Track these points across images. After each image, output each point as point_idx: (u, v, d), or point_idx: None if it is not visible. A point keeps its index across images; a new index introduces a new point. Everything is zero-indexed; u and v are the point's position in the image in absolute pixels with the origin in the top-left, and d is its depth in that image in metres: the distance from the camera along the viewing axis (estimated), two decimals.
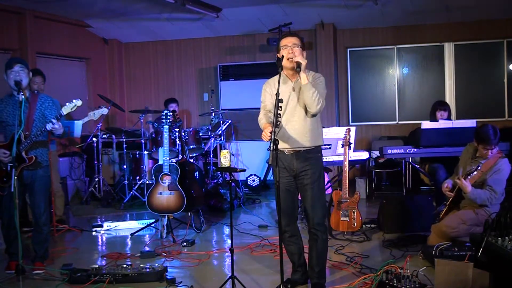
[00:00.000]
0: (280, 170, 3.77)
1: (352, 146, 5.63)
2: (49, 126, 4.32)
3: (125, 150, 8.01)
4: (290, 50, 3.69)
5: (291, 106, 3.74)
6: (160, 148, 5.95)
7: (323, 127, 6.34)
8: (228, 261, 4.82)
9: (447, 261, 3.64)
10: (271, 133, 3.42)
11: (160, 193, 5.62)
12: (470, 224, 4.54)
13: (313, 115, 3.73)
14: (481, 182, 4.61)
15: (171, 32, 9.23)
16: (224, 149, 8.03)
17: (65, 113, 4.38)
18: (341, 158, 5.57)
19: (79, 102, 4.39)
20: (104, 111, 4.53)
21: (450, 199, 4.74)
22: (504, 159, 4.63)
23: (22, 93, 4.29)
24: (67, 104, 4.38)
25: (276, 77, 3.85)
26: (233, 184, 6.89)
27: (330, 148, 5.76)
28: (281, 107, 3.57)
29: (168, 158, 5.64)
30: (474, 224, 4.55)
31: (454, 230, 4.50)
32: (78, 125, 7.12)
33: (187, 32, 9.23)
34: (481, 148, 4.65)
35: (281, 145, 3.72)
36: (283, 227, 3.79)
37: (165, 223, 5.72)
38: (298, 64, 3.60)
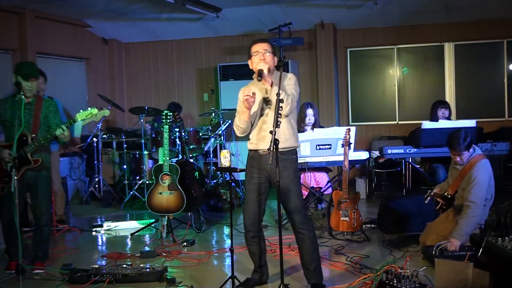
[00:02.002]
0: (253, 170, 3.87)
1: (352, 146, 5.63)
2: (58, 132, 4.31)
3: (125, 150, 8.01)
4: (261, 56, 3.75)
5: (265, 107, 3.79)
6: (160, 148, 5.95)
7: (323, 127, 6.43)
8: (228, 261, 4.82)
9: (447, 261, 3.64)
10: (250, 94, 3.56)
11: (160, 193, 5.62)
12: None
13: (286, 116, 3.74)
14: (462, 190, 4.52)
15: (171, 32, 9.22)
16: (224, 149, 8.04)
17: (79, 120, 4.36)
18: (341, 158, 5.57)
19: (94, 110, 4.37)
20: (106, 112, 4.52)
21: (440, 205, 4.73)
22: (480, 164, 4.41)
23: (22, 93, 4.28)
24: (81, 111, 4.37)
25: (249, 83, 3.93)
26: (233, 184, 6.91)
27: (330, 148, 5.77)
28: (281, 107, 3.58)
29: (168, 158, 5.64)
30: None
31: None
32: (78, 125, 7.09)
33: (187, 32, 9.22)
34: (451, 153, 4.57)
35: (256, 146, 3.82)
36: (247, 226, 3.97)
37: (165, 223, 5.73)
38: (260, 73, 3.63)
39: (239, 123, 3.81)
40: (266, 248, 4.21)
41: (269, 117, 3.75)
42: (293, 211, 3.83)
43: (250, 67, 3.85)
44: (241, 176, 8.35)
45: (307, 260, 3.90)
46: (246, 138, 3.97)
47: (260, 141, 3.80)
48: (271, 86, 3.70)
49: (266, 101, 3.79)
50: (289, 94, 3.69)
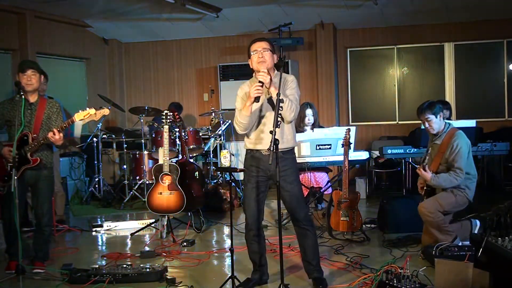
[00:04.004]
0: (252, 169, 3.92)
1: (352, 146, 5.63)
2: (49, 134, 4.30)
3: (125, 150, 8.01)
4: (260, 54, 3.76)
5: (267, 108, 3.81)
6: (160, 148, 5.95)
7: (323, 127, 6.43)
8: (228, 261, 4.82)
9: (447, 261, 3.64)
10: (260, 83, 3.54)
11: (160, 193, 5.62)
12: (447, 210, 4.56)
13: (289, 122, 3.80)
14: (445, 163, 4.61)
15: (171, 32, 9.23)
16: (224, 149, 8.04)
17: (77, 120, 4.36)
18: (341, 158, 5.57)
19: (92, 111, 4.37)
20: (106, 111, 4.52)
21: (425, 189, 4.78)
22: (458, 133, 4.58)
23: (22, 93, 4.28)
24: (80, 111, 4.37)
25: (247, 81, 3.91)
26: (233, 184, 6.90)
27: (330, 148, 5.76)
28: (281, 107, 3.58)
29: (168, 158, 5.64)
30: (452, 208, 4.59)
31: (431, 214, 4.50)
32: (78, 125, 7.09)
33: (187, 32, 9.22)
34: (421, 121, 4.70)
35: (259, 146, 3.85)
36: (249, 225, 3.98)
37: (165, 223, 5.73)
38: (261, 83, 3.58)
39: (241, 119, 3.77)
40: (266, 248, 4.23)
41: (269, 118, 3.78)
42: (298, 208, 3.90)
43: (250, 66, 3.87)
44: (241, 176, 8.33)
45: (310, 256, 3.97)
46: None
47: (259, 141, 3.82)
48: (269, 87, 3.63)
49: (266, 102, 3.80)
50: (292, 100, 3.70)
